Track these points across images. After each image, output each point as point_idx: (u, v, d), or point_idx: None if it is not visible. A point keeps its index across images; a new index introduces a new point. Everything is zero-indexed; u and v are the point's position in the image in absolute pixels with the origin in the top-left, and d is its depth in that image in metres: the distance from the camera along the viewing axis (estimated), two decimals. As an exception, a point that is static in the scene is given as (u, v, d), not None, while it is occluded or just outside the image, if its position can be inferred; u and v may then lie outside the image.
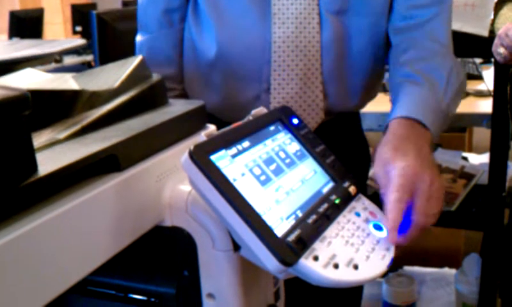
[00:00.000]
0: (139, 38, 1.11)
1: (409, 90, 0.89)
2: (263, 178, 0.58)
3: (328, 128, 1.02)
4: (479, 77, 2.24)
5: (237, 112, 0.64)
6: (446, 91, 0.90)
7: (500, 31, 1.41)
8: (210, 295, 0.61)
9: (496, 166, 1.53)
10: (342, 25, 0.98)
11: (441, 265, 2.04)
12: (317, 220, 0.57)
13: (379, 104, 1.23)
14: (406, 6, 0.97)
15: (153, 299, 0.65)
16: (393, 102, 0.89)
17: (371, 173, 0.83)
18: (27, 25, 4.45)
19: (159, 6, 1.06)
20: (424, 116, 0.82)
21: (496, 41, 1.43)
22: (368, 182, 1.27)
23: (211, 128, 0.70)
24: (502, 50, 1.39)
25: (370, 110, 1.19)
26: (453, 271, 1.94)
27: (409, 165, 0.69)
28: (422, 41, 0.96)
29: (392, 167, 0.69)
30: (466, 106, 1.98)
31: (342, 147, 1.08)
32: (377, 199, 0.69)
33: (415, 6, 0.97)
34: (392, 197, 0.65)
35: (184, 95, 1.10)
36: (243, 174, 0.56)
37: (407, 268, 2.04)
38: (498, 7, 1.53)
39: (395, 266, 1.98)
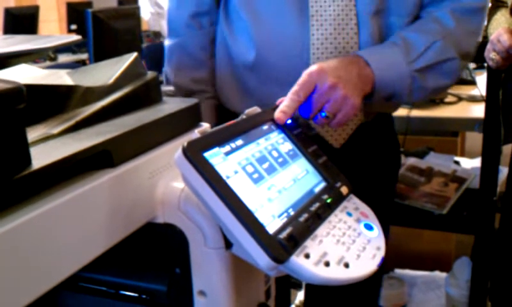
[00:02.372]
0: (167, 42, 1.10)
1: (380, 44, 0.94)
2: (256, 176, 0.58)
3: (365, 130, 1.02)
4: (472, 82, 2.25)
5: None
6: (419, 57, 0.92)
7: (492, 36, 1.42)
8: (202, 293, 0.61)
9: (488, 170, 1.54)
10: (380, 25, 0.98)
11: (432, 268, 2.05)
12: (308, 218, 0.58)
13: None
14: (425, 11, 0.99)
15: (144, 296, 0.65)
16: None
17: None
18: (22, 22, 4.43)
19: (187, 10, 1.06)
20: (369, 56, 0.87)
21: (488, 46, 1.44)
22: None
23: (205, 125, 0.70)
24: (494, 55, 1.40)
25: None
26: (444, 274, 1.95)
27: (318, 66, 0.78)
28: (423, 20, 0.98)
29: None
30: (459, 111, 2.00)
31: (377, 149, 1.08)
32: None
33: (432, 12, 0.98)
34: (292, 89, 0.76)
35: (215, 98, 1.09)
36: (236, 172, 0.56)
37: (398, 270, 2.05)
38: (491, 13, 1.54)
39: (386, 268, 1.99)
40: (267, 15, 0.97)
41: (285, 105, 0.73)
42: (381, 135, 1.11)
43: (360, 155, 1.05)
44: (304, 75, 0.77)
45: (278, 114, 0.70)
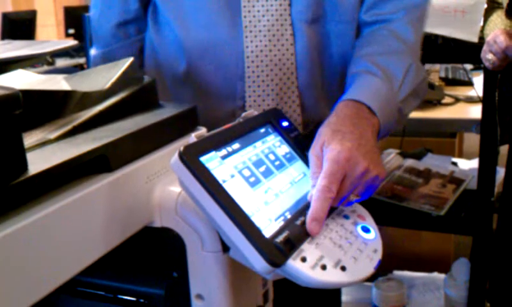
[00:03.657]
0: (93, 51, 1.04)
1: (363, 79, 0.86)
2: (252, 179, 0.58)
3: (308, 141, 0.99)
4: (469, 83, 2.25)
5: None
6: (401, 87, 0.87)
7: (489, 37, 1.43)
8: (199, 296, 0.61)
9: (486, 171, 1.54)
10: (317, 33, 0.94)
11: (430, 270, 2.05)
12: (305, 222, 0.58)
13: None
14: (371, 14, 0.95)
15: (142, 300, 0.65)
16: (345, 90, 0.86)
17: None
18: (19, 27, 4.44)
19: (113, 19, 1.00)
20: (372, 102, 0.79)
21: (484, 47, 1.45)
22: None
23: (201, 129, 0.71)
24: (490, 56, 1.41)
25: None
26: (442, 275, 1.95)
27: (344, 150, 0.65)
28: (385, 38, 0.93)
29: (326, 151, 0.66)
30: (457, 112, 2.00)
31: None
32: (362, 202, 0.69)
33: (381, 14, 0.94)
34: (319, 184, 0.62)
35: None
36: (232, 176, 0.56)
37: (396, 272, 2.05)
38: (487, 14, 1.55)
39: (384, 270, 1.99)
40: (197, 24, 0.93)
41: (315, 210, 0.59)
42: None
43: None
44: (331, 163, 0.64)
45: (311, 225, 0.58)
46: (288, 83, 0.95)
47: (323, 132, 0.70)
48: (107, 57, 1.00)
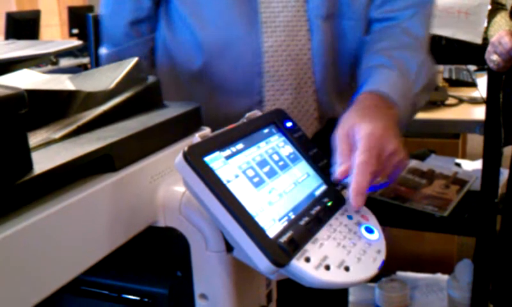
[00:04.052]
0: (104, 51, 1.04)
1: (379, 72, 0.88)
2: (256, 179, 0.58)
3: (321, 137, 0.98)
4: (473, 84, 2.25)
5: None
6: (416, 81, 0.89)
7: (493, 38, 1.43)
8: (203, 296, 0.62)
9: (489, 172, 1.54)
10: (331, 29, 0.96)
11: (434, 271, 2.05)
12: (309, 222, 0.58)
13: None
14: (382, 11, 0.96)
15: (146, 299, 0.65)
16: (362, 84, 0.87)
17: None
18: (23, 27, 4.45)
19: (125, 18, 1.00)
20: (392, 93, 0.81)
21: (489, 48, 1.45)
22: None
23: (206, 130, 0.71)
24: (495, 57, 1.41)
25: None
26: (446, 277, 1.95)
27: (378, 127, 0.67)
28: (398, 35, 0.95)
29: (357, 129, 0.67)
30: (460, 113, 2.00)
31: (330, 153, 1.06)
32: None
33: (391, 11, 0.96)
34: (359, 159, 0.63)
35: None
36: (237, 176, 0.56)
37: (400, 273, 2.05)
38: (491, 15, 1.55)
39: (388, 271, 1.99)
40: (214, 20, 0.94)
41: (359, 184, 0.61)
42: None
43: None
44: (368, 138, 0.66)
45: (356, 198, 0.60)
46: (305, 78, 0.97)
47: (350, 117, 0.71)
48: (120, 56, 0.98)
